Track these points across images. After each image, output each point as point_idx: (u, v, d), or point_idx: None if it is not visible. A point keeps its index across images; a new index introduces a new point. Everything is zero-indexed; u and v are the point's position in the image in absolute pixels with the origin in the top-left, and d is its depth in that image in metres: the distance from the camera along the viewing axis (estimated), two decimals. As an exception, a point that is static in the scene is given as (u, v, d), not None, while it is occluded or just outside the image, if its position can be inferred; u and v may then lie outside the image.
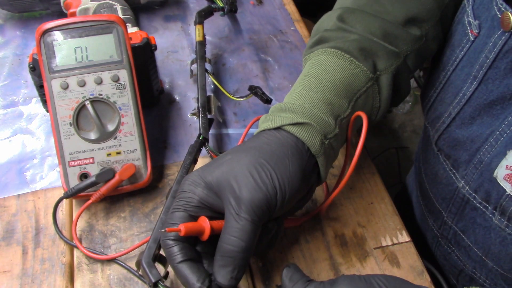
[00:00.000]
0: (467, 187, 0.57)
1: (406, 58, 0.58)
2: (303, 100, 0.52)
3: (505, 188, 0.51)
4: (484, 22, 0.53)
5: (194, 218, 0.47)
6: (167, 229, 0.44)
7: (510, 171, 0.49)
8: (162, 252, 0.50)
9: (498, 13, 0.49)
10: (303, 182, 0.49)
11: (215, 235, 0.46)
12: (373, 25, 0.57)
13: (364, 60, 0.54)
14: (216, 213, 0.48)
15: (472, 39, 0.55)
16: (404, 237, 0.58)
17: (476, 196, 0.56)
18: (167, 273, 0.50)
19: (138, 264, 0.50)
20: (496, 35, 0.49)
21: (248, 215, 0.44)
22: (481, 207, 0.56)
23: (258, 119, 0.64)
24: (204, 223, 0.46)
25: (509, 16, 0.47)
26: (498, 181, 0.51)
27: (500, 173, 0.51)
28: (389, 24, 0.58)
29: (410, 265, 0.56)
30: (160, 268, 0.50)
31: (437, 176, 0.64)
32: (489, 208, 0.55)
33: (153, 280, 0.47)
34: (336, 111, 0.52)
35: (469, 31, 0.55)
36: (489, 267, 0.58)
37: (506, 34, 0.48)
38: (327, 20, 0.61)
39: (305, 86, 0.54)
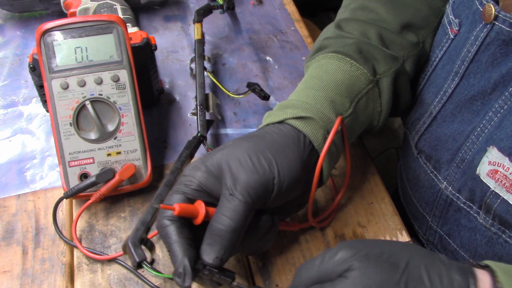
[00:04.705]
0: (450, 187, 0.57)
1: (404, 63, 0.58)
2: (306, 98, 0.53)
3: (488, 184, 0.50)
4: (465, 19, 0.53)
5: (192, 201, 0.46)
6: (161, 205, 0.44)
7: (493, 167, 0.49)
8: (151, 240, 0.50)
9: (479, 7, 0.50)
10: (302, 173, 0.49)
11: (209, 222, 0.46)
12: (370, 31, 0.59)
13: (364, 63, 0.55)
14: (214, 200, 0.47)
15: (452, 36, 0.55)
16: (404, 237, 0.58)
17: (460, 196, 0.56)
18: (153, 260, 0.49)
19: (124, 247, 0.49)
20: (478, 28, 0.50)
21: (242, 195, 0.44)
22: (465, 207, 0.56)
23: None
24: (200, 207, 0.45)
25: (490, 7, 0.47)
26: (481, 178, 0.51)
27: (482, 170, 0.51)
28: (385, 31, 0.59)
29: (410, 265, 0.56)
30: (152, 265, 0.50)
31: (418, 180, 0.64)
32: (474, 207, 0.55)
33: (137, 260, 0.47)
34: (338, 109, 0.52)
35: (449, 30, 0.56)
36: None
37: (488, 26, 0.48)
38: (326, 31, 0.63)
39: (307, 86, 0.55)
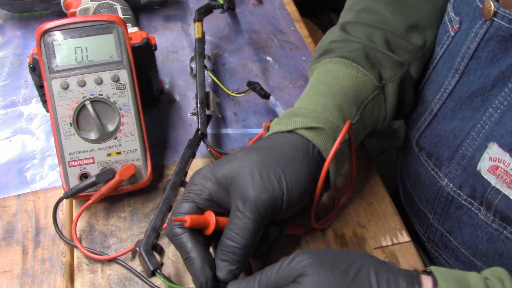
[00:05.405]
0: (451, 184, 0.57)
1: (409, 67, 0.58)
2: (315, 105, 0.53)
3: (489, 181, 0.51)
4: (465, 17, 0.54)
5: (202, 210, 0.47)
6: (173, 218, 0.45)
7: (493, 163, 0.49)
8: (159, 242, 0.51)
9: (479, 3, 0.50)
10: (310, 186, 0.49)
11: (220, 232, 0.47)
12: (375, 35, 0.59)
13: (370, 69, 0.55)
14: (224, 210, 0.48)
15: (453, 34, 0.56)
16: (404, 237, 0.58)
17: (461, 193, 0.56)
18: (161, 264, 0.50)
19: (134, 252, 0.50)
20: (477, 25, 0.50)
21: (252, 214, 0.45)
22: (466, 204, 0.56)
23: (259, 136, 0.64)
24: (210, 218, 0.46)
25: (490, 3, 0.47)
26: (482, 174, 0.51)
27: (483, 166, 0.51)
28: (390, 34, 0.59)
29: (410, 265, 0.56)
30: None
31: (419, 178, 0.64)
32: (475, 204, 0.55)
33: (152, 269, 0.47)
34: (346, 117, 0.52)
35: (449, 28, 0.56)
36: (478, 268, 0.58)
37: (487, 22, 0.48)
38: (330, 34, 0.63)
39: (315, 92, 0.55)
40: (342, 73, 0.55)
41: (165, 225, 0.54)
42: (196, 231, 0.46)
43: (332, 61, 0.57)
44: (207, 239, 0.48)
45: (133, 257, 0.50)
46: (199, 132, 0.62)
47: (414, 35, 0.60)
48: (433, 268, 0.42)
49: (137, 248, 0.49)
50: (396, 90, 0.56)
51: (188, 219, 0.44)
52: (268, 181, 0.46)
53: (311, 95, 0.55)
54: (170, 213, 0.52)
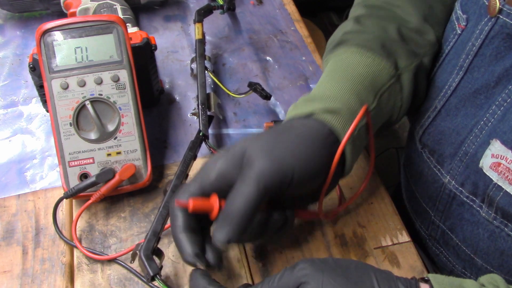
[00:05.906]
0: (453, 181, 0.57)
1: (423, 59, 0.58)
2: (332, 90, 0.52)
3: (491, 177, 0.51)
4: (472, 15, 0.54)
5: (207, 194, 0.46)
6: (176, 200, 0.45)
7: (496, 159, 0.49)
8: (159, 246, 0.51)
9: (485, 1, 0.50)
10: (324, 169, 0.48)
11: None
12: (389, 27, 0.59)
13: (386, 58, 0.55)
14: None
15: (460, 32, 0.56)
16: (404, 237, 0.58)
17: (463, 190, 0.56)
18: (161, 267, 0.50)
19: (134, 255, 0.50)
20: (483, 22, 0.50)
21: (255, 182, 0.44)
22: (468, 201, 0.56)
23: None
24: (214, 202, 0.45)
25: (495, 1, 0.48)
26: (484, 171, 0.51)
27: (485, 162, 0.51)
28: (404, 28, 0.59)
29: (410, 265, 0.56)
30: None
31: (422, 175, 0.64)
32: (477, 201, 0.55)
33: (151, 274, 0.47)
34: (364, 103, 0.51)
35: (456, 26, 0.56)
36: (479, 266, 0.58)
37: (492, 19, 0.49)
38: (344, 26, 0.62)
39: (331, 78, 0.54)
40: (357, 61, 0.54)
41: (167, 226, 0.54)
42: (194, 215, 0.46)
43: (347, 51, 0.56)
44: (202, 225, 0.48)
45: (133, 260, 0.50)
46: (201, 134, 0.62)
47: (427, 33, 0.60)
48: (430, 276, 0.42)
49: (137, 252, 0.49)
50: (412, 79, 0.56)
51: (191, 203, 0.43)
52: (279, 154, 0.45)
53: (327, 81, 0.54)
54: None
